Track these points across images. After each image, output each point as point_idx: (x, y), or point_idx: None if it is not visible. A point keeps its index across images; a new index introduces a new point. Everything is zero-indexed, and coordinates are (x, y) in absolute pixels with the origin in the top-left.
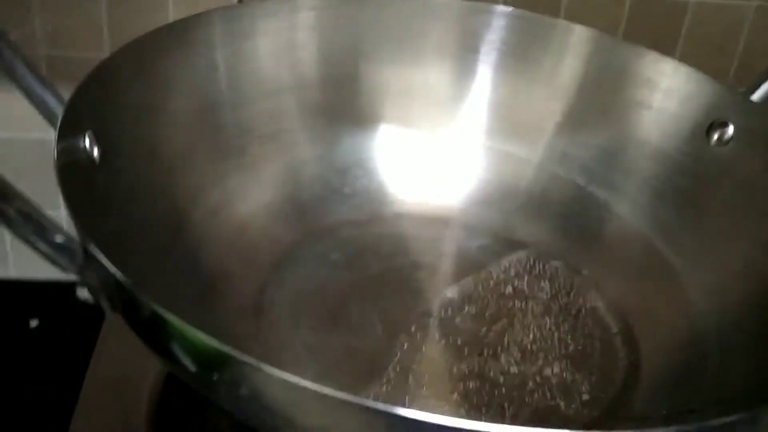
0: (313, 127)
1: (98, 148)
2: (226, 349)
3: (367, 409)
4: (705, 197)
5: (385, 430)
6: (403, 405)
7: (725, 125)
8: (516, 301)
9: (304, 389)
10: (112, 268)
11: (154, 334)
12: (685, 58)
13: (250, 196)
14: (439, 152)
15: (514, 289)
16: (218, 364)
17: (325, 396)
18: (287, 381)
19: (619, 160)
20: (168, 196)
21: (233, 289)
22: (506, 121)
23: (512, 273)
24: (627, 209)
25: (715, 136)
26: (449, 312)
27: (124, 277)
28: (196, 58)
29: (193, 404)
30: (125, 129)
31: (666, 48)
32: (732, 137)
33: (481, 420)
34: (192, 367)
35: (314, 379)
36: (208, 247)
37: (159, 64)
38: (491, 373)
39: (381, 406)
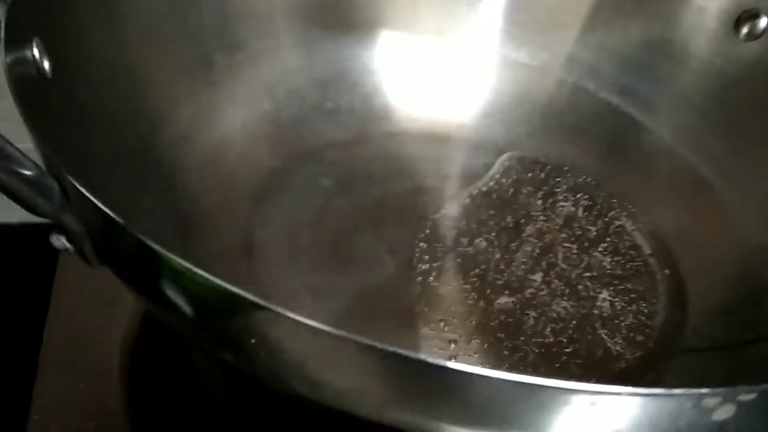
0: (296, 31)
1: (49, 60)
2: (244, 294)
3: (404, 359)
4: (736, 100)
5: (435, 383)
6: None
7: (756, 17)
8: (535, 224)
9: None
10: (100, 205)
11: (153, 283)
12: None
13: (222, 117)
14: (444, 60)
15: (531, 210)
16: (234, 311)
17: (371, 348)
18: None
19: (640, 65)
20: (131, 119)
21: (216, 227)
22: (522, 26)
23: (528, 193)
24: (651, 119)
25: (745, 30)
26: (463, 239)
27: (115, 215)
28: None
29: (173, 350)
30: (79, 36)
31: None
32: (764, 30)
33: (528, 366)
34: (197, 316)
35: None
36: (181, 179)
37: None
38: (524, 307)
39: (426, 357)
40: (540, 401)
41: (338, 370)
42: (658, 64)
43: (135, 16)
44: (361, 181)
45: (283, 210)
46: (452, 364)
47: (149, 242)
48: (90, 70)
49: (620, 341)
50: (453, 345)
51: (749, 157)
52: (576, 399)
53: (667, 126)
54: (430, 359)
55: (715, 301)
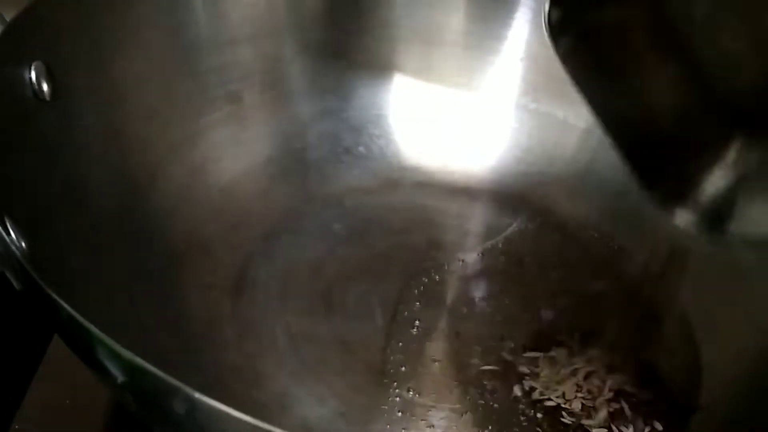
0: (316, 75)
1: (48, 84)
2: (141, 363)
3: None
4: None
5: None
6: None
7: None
8: (551, 297)
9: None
10: (10, 240)
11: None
12: None
13: (243, 153)
14: (468, 111)
15: (549, 280)
16: (138, 380)
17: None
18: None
19: None
20: (141, 147)
21: (212, 261)
22: (548, 76)
23: (548, 261)
24: None
25: None
26: (466, 306)
27: (22, 255)
28: None
29: None
30: (85, 63)
31: None
32: None
33: None
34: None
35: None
36: (186, 209)
37: None
38: (504, 393)
39: None
40: None
41: None
42: None
43: (151, 48)
44: (375, 230)
45: (287, 250)
46: None
47: (42, 283)
48: (95, 97)
49: None
50: (425, 412)
51: None
52: None
53: None
54: None
55: (727, 401)
